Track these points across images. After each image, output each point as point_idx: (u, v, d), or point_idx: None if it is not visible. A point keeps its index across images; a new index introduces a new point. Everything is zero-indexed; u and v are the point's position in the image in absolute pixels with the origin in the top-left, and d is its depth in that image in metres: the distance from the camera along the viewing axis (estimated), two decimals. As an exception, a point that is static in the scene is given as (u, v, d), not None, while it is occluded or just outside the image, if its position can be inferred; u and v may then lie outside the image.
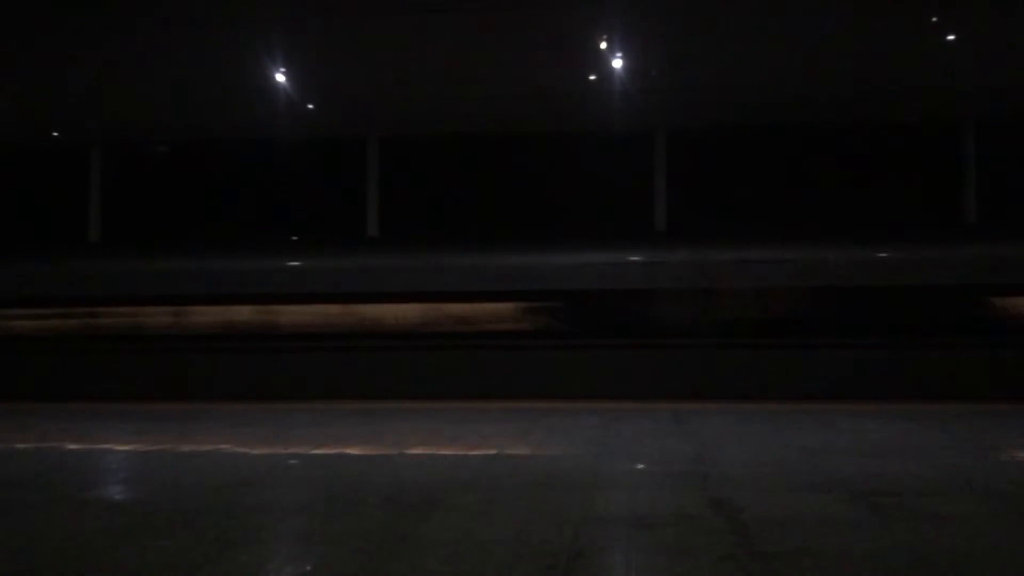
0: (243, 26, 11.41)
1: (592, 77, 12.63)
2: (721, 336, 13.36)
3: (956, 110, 14.23)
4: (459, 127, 15.00)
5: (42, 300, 14.63)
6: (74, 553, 3.71)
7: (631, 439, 8.05)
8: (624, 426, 9.17)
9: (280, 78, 12.79)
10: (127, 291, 14.48)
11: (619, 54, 12.00)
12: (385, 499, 4.99)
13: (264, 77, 12.67)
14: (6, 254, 15.17)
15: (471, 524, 4.23)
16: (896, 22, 11.24)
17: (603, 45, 11.78)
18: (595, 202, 15.17)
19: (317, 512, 4.81)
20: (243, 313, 14.56)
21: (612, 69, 12.33)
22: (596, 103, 13.30)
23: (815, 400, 11.98)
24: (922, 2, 10.91)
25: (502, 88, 13.17)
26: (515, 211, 15.36)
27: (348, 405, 12.13)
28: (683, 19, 11.28)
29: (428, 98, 13.70)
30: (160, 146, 16.48)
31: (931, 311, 13.25)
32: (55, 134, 15.50)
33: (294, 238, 15.74)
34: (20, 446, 7.91)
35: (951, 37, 11.45)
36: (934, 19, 11.07)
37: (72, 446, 7.87)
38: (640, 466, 6.44)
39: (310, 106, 13.72)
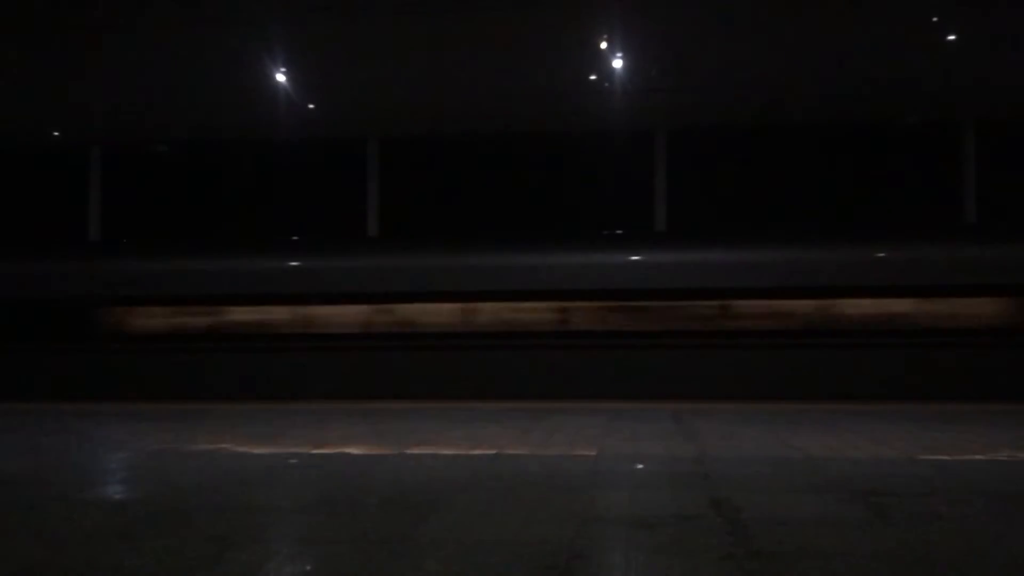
0: (243, 26, 11.41)
1: (589, 77, 12.64)
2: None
3: (956, 110, 14.24)
4: (459, 127, 15.01)
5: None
6: (75, 552, 3.70)
7: (631, 439, 8.05)
8: (624, 426, 9.17)
9: (280, 78, 12.79)
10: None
11: (619, 54, 12.00)
12: (385, 499, 4.98)
13: (264, 77, 12.68)
14: None
15: (470, 524, 4.23)
16: (896, 22, 11.24)
17: (603, 45, 11.78)
18: (595, 202, 15.18)
19: (317, 512, 4.81)
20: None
21: (612, 69, 12.33)
22: (596, 103, 13.31)
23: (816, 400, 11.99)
24: (922, 2, 10.91)
25: (502, 88, 13.17)
26: (515, 211, 15.37)
27: (348, 405, 12.13)
28: (683, 19, 11.29)
29: (428, 98, 13.71)
30: (160, 145, 16.49)
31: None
32: (56, 133, 15.51)
33: (294, 238, 15.75)
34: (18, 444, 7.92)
35: (951, 37, 11.44)
36: (934, 19, 11.07)
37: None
38: (640, 466, 6.44)
39: (310, 106, 13.72)
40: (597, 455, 6.91)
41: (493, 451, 7.13)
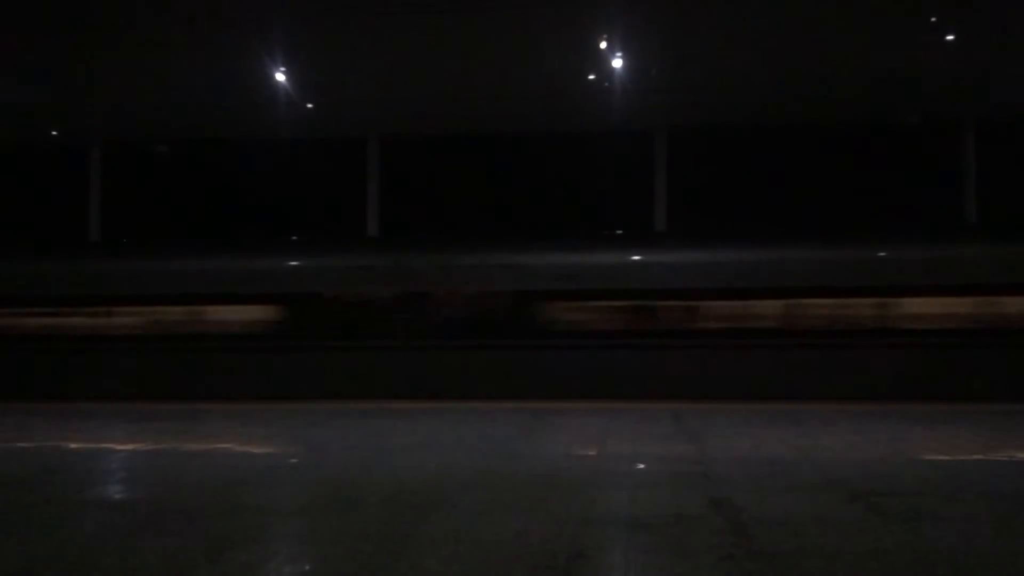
0: (243, 26, 11.41)
1: (589, 77, 12.64)
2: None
3: (956, 110, 14.23)
4: (459, 127, 15.00)
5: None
6: (74, 552, 3.71)
7: (631, 439, 8.05)
8: (624, 426, 9.17)
9: (280, 78, 12.79)
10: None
11: (619, 54, 12.00)
12: (385, 499, 4.99)
13: (264, 77, 12.68)
14: None
15: (471, 524, 4.23)
16: (896, 22, 11.23)
17: (603, 45, 11.78)
18: (595, 202, 15.18)
19: (317, 512, 4.82)
20: None
21: (612, 69, 12.33)
22: (596, 103, 13.30)
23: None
24: (923, 2, 10.90)
25: (502, 88, 13.17)
26: (515, 211, 15.37)
27: (347, 405, 12.12)
28: (683, 19, 11.27)
29: (428, 98, 13.70)
30: (161, 145, 16.49)
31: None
32: (54, 132, 15.49)
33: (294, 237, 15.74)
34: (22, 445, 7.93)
35: (951, 37, 11.44)
36: (934, 19, 11.07)
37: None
38: (640, 466, 6.44)
39: (309, 105, 13.70)
40: (597, 455, 6.91)
41: (494, 451, 7.14)
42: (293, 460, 7.08)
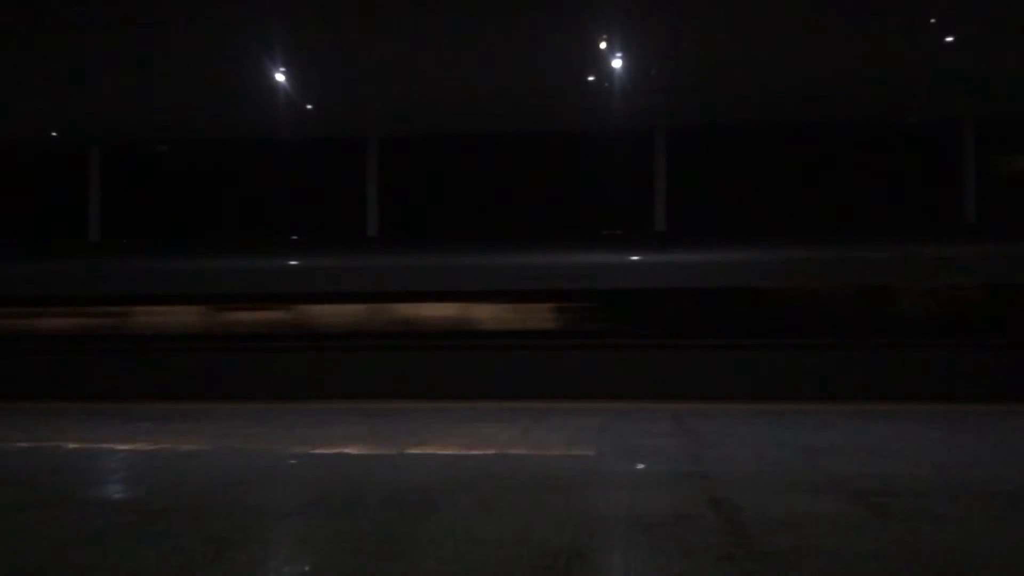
0: (243, 26, 11.41)
1: (588, 77, 12.63)
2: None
3: (956, 110, 14.22)
4: (459, 127, 15.00)
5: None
6: (74, 552, 3.71)
7: (631, 439, 8.05)
8: (624, 426, 9.17)
9: (280, 78, 12.79)
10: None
11: (619, 54, 12.00)
12: (385, 499, 4.99)
13: (264, 77, 12.68)
14: None
15: (470, 524, 4.23)
16: (897, 22, 11.23)
17: (603, 45, 11.77)
18: (595, 202, 15.18)
19: (316, 512, 4.82)
20: None
21: (612, 69, 12.33)
22: (596, 103, 13.30)
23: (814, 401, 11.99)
24: (923, 3, 10.90)
25: (502, 88, 13.17)
26: (514, 211, 15.37)
27: (347, 405, 12.13)
28: (683, 19, 11.27)
29: (428, 98, 13.70)
30: (160, 146, 16.49)
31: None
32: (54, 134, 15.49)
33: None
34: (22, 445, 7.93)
35: (952, 37, 11.44)
36: (935, 19, 11.07)
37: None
38: (640, 466, 6.44)
39: (308, 106, 13.70)
40: (597, 455, 6.91)
41: (493, 451, 7.14)
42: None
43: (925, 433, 8.59)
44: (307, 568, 3.52)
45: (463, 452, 7.22)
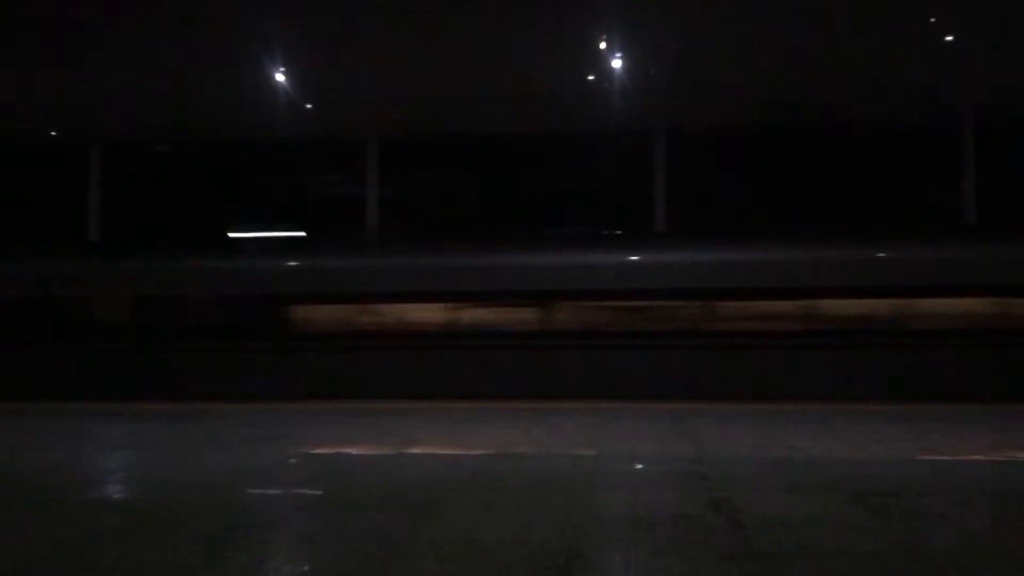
0: (243, 26, 11.41)
1: (588, 77, 12.64)
2: None
3: (956, 110, 14.23)
4: (459, 127, 15.00)
5: None
6: (74, 552, 3.70)
7: (631, 439, 8.05)
8: (624, 426, 9.17)
9: (280, 78, 12.79)
10: None
11: (619, 54, 12.00)
12: (384, 499, 4.98)
13: (264, 77, 12.68)
14: None
15: (470, 524, 4.23)
16: (896, 23, 11.24)
17: (603, 45, 11.78)
18: (595, 202, 15.19)
19: (316, 512, 4.81)
20: None
21: (612, 69, 12.33)
22: (596, 103, 13.30)
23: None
24: (923, 3, 10.91)
25: (502, 88, 13.17)
26: (514, 211, 15.37)
27: (347, 405, 12.13)
28: (683, 19, 11.28)
29: (428, 98, 13.70)
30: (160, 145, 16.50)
31: None
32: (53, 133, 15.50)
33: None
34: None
35: (951, 37, 11.44)
36: (933, 20, 11.08)
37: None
38: (639, 466, 6.44)
39: (308, 105, 13.71)
40: (597, 455, 6.91)
41: (493, 451, 7.13)
42: None
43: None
44: (306, 568, 3.52)
45: (463, 452, 7.21)
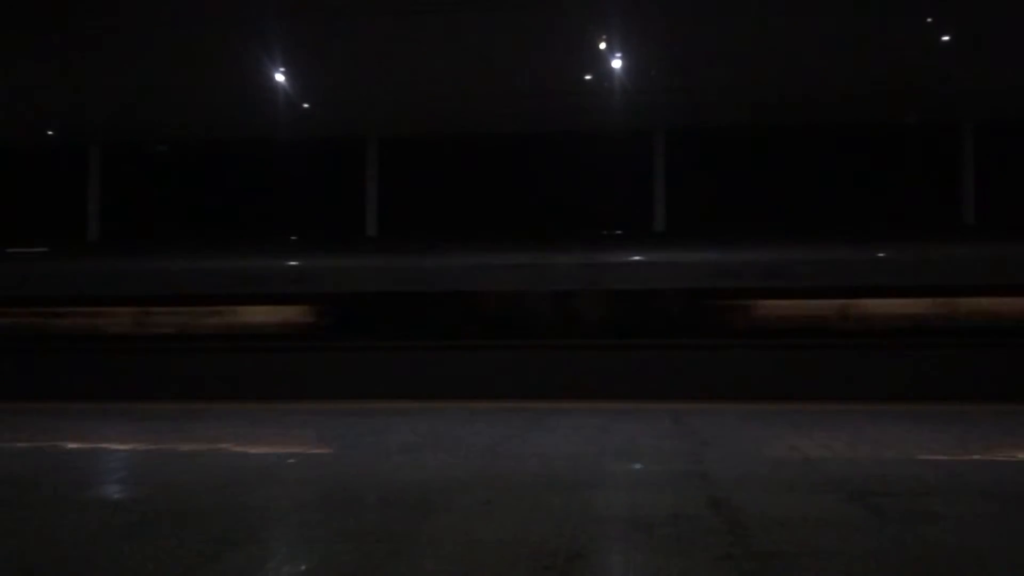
0: (243, 26, 11.41)
1: (588, 77, 12.64)
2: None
3: (956, 111, 14.22)
4: (459, 127, 15.00)
5: None
6: (73, 552, 3.71)
7: (630, 439, 8.05)
8: (623, 426, 9.17)
9: (280, 78, 12.79)
10: None
11: (619, 54, 12.00)
12: (383, 499, 4.99)
13: (264, 77, 12.68)
14: None
15: (469, 524, 4.23)
16: (896, 23, 11.24)
17: (602, 45, 11.78)
18: (594, 202, 15.18)
19: (315, 512, 4.82)
20: None
21: (612, 68, 12.33)
22: (595, 103, 13.30)
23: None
24: (922, 4, 10.91)
25: (502, 88, 13.17)
26: (514, 211, 15.36)
27: (347, 405, 12.11)
28: (683, 19, 11.28)
29: (428, 98, 13.69)
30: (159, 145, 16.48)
31: None
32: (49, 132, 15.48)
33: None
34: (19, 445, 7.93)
35: (951, 38, 11.44)
36: (931, 20, 11.08)
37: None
38: (639, 466, 6.44)
39: (305, 105, 13.70)
40: (596, 455, 6.91)
41: (491, 451, 7.13)
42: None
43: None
44: (305, 567, 3.52)
45: (462, 452, 7.21)
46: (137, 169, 16.29)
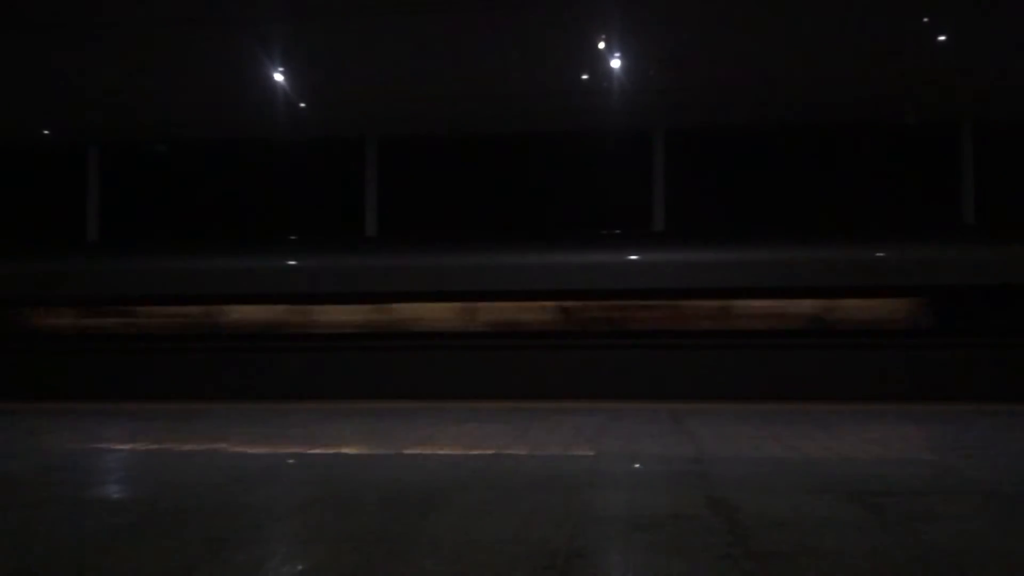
0: (243, 26, 11.41)
1: (585, 76, 12.63)
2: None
3: (955, 111, 14.22)
4: (459, 127, 15.00)
5: None
6: (73, 552, 3.71)
7: (629, 439, 8.05)
8: (623, 426, 9.17)
9: (279, 78, 12.78)
10: None
11: (618, 54, 12.00)
12: (383, 499, 4.99)
13: (263, 77, 12.68)
14: None
15: (469, 524, 4.23)
16: (895, 23, 11.24)
17: (601, 45, 11.78)
18: (593, 202, 15.18)
19: (314, 512, 4.82)
20: None
21: (611, 68, 12.32)
22: (595, 103, 13.30)
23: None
24: (922, 3, 10.91)
25: (503, 88, 13.17)
26: (513, 211, 15.36)
27: (348, 405, 12.13)
28: (683, 19, 11.28)
29: (428, 98, 13.70)
30: (159, 145, 16.47)
31: None
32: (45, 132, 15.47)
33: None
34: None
35: (950, 37, 11.44)
36: (934, 19, 11.07)
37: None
38: (638, 466, 6.44)
39: (302, 105, 13.69)
40: (596, 455, 6.91)
41: (492, 451, 7.14)
42: None
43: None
44: (304, 567, 3.52)
45: (462, 452, 7.22)
46: (136, 169, 16.29)
